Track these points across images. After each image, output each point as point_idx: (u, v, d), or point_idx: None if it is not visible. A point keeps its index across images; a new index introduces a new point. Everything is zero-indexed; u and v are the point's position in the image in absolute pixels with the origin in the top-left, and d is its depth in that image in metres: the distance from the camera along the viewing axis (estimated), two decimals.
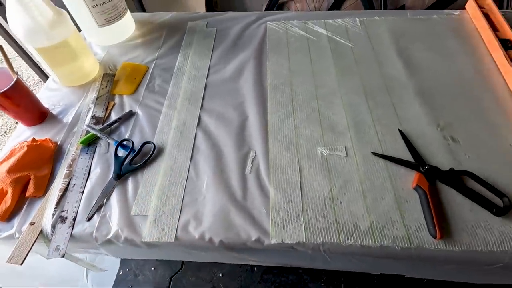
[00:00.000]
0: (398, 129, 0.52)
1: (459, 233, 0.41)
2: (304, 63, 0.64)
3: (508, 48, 0.61)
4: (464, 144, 0.50)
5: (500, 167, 0.47)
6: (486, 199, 0.43)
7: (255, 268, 0.95)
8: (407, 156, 0.49)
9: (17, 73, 0.50)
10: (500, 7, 1.10)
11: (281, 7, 1.45)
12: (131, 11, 0.72)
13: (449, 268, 0.45)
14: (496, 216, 0.42)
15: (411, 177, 0.47)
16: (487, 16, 0.69)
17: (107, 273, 0.74)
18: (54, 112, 0.58)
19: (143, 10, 1.22)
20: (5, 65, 0.51)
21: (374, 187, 0.46)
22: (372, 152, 0.50)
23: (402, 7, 1.28)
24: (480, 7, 0.71)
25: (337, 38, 0.69)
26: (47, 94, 0.62)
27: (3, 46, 0.48)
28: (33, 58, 1.03)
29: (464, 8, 0.74)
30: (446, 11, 0.73)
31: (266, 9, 1.41)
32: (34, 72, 1.17)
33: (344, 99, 0.57)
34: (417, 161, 0.48)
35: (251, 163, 0.50)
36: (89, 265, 0.56)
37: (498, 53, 0.61)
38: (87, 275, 0.66)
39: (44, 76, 1.16)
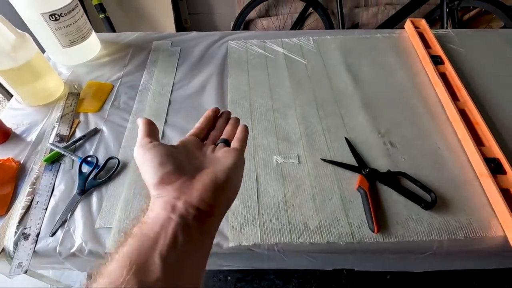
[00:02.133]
0: (345, 137, 0.58)
1: (394, 226, 0.47)
2: (262, 79, 0.70)
3: (438, 63, 0.71)
4: (400, 148, 0.57)
5: (429, 167, 0.54)
6: (416, 195, 0.50)
7: (229, 277, 0.97)
8: (352, 160, 0.55)
9: None
10: (441, 26, 1.24)
11: (247, 25, 1.52)
12: (99, 30, 0.75)
13: (390, 259, 0.50)
14: (425, 209, 0.48)
15: (355, 179, 0.52)
16: (421, 35, 0.78)
17: None
18: (18, 131, 0.59)
19: (112, 29, 1.24)
20: None
21: (323, 189, 0.51)
22: (321, 158, 0.55)
23: (357, 25, 1.40)
24: (416, 27, 0.80)
25: (292, 56, 0.75)
26: (11, 114, 0.63)
27: None
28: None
29: (404, 28, 0.83)
30: (388, 30, 0.83)
31: (233, 27, 1.48)
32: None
33: (298, 111, 0.63)
34: (360, 165, 0.54)
35: None
36: (54, 282, 0.56)
37: (429, 67, 0.70)
38: None
39: (8, 94, 1.13)
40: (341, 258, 0.51)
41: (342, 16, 1.36)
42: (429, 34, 0.78)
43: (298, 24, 1.46)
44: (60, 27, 0.64)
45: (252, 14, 1.47)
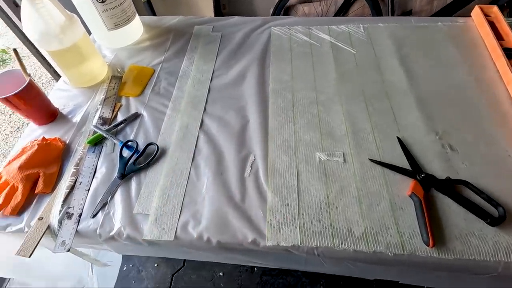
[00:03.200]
0: (397, 137, 0.53)
1: (453, 241, 0.42)
2: (306, 69, 0.65)
3: (511, 57, 0.61)
4: (461, 152, 0.50)
5: (497, 177, 0.47)
6: (481, 208, 0.44)
7: (255, 269, 0.96)
8: (404, 163, 0.50)
9: (29, 75, 0.53)
10: (509, 14, 1.09)
11: (288, 10, 1.46)
12: (140, 14, 0.74)
13: (441, 275, 0.45)
14: (491, 226, 0.42)
15: (407, 185, 0.47)
16: (492, 25, 0.69)
17: (111, 268, 0.77)
18: (64, 112, 0.61)
19: (153, 13, 1.25)
20: (18, 66, 0.53)
21: (370, 193, 0.47)
22: (369, 159, 0.51)
23: (410, 12, 1.28)
24: (486, 15, 0.70)
25: (339, 44, 0.69)
26: (58, 95, 0.65)
27: (17, 49, 0.51)
28: (46, 58, 1.07)
29: (470, 16, 0.74)
30: (451, 18, 0.73)
31: (273, 13, 1.42)
32: (46, 71, 1.21)
33: (344, 105, 0.58)
34: (413, 169, 0.49)
35: (251, 166, 0.51)
36: (93, 260, 0.58)
37: (501, 61, 0.61)
38: (92, 270, 0.68)
39: (56, 75, 1.19)
40: (386, 269, 0.47)
41: (393, 2, 1.25)
42: (503, 23, 0.68)
43: (342, 11, 1.37)
44: (107, 9, 0.64)
45: None
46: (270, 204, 0.47)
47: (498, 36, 0.66)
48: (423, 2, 1.30)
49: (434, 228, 0.42)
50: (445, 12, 1.22)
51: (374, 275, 0.53)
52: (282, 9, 1.41)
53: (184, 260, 0.99)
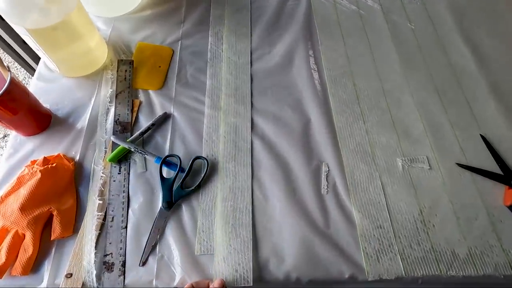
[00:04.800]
0: (480, 135, 0.47)
1: None
2: (362, 49, 0.54)
3: None
4: None
5: None
6: None
7: None
8: (493, 167, 0.45)
9: (9, 69, 0.36)
10: None
11: None
12: None
13: None
14: None
15: (500, 192, 0.43)
16: None
17: None
18: (59, 114, 0.45)
19: None
20: None
21: (465, 205, 0.42)
22: (456, 163, 0.44)
23: None
24: None
25: (394, 17, 0.58)
26: (43, 88, 0.47)
27: None
28: (10, 42, 0.76)
29: None
30: None
31: None
32: (19, 65, 0.89)
33: (414, 96, 0.50)
34: (506, 174, 0.44)
35: (326, 179, 0.42)
36: None
37: None
38: None
39: (30, 69, 0.90)
40: None
41: None
42: None
43: None
44: None
45: None
46: (361, 228, 0.39)
47: None
48: None
49: None
50: None
51: None
52: None
53: None
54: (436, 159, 0.45)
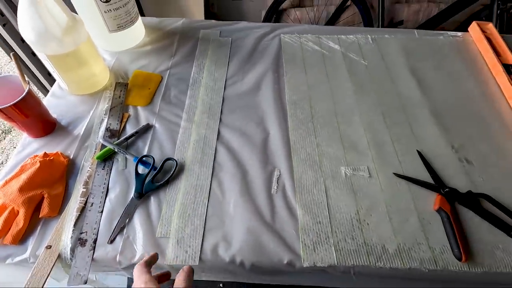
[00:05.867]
0: (417, 150, 0.54)
1: (481, 255, 0.43)
2: (321, 79, 0.65)
3: (511, 73, 0.65)
4: (477, 166, 0.52)
5: None
6: (502, 221, 0.46)
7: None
8: (426, 177, 0.51)
9: (28, 83, 0.47)
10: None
11: (280, 14, 1.45)
12: None
13: None
14: None
15: (432, 199, 0.48)
16: (489, 40, 0.72)
17: None
18: (63, 123, 0.55)
19: (141, 13, 1.18)
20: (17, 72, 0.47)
21: (399, 209, 0.47)
22: (394, 173, 0.51)
23: (401, 22, 1.33)
24: (482, 31, 0.74)
25: (351, 55, 0.70)
26: (54, 102, 0.58)
27: (17, 54, 0.45)
28: (30, 66, 0.94)
29: (467, 31, 0.77)
30: (450, 32, 0.76)
31: (265, 16, 1.41)
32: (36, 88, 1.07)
33: (362, 117, 0.58)
34: (437, 183, 0.50)
35: (277, 182, 0.49)
36: (101, 284, 0.53)
37: (502, 77, 0.64)
38: None
39: (44, 88, 1.07)
40: (418, 284, 0.47)
41: (383, 11, 1.29)
42: (499, 39, 0.72)
43: (335, 18, 1.38)
44: (110, 10, 0.58)
45: (287, 3, 1.39)
46: (302, 222, 0.45)
47: (496, 52, 0.70)
48: (410, 12, 1.35)
49: (464, 243, 0.43)
50: (431, 23, 1.28)
51: None
52: (275, 13, 1.40)
53: None
54: (376, 169, 0.51)
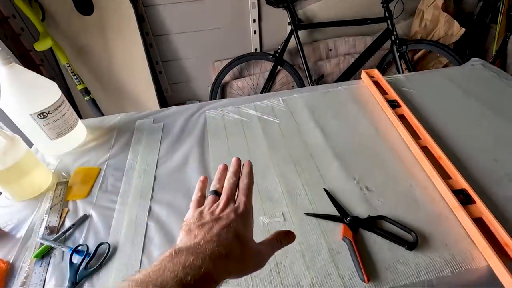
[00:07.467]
0: (324, 188, 0.62)
1: (384, 272, 0.48)
2: (240, 143, 0.75)
3: (395, 107, 0.79)
4: (376, 191, 0.60)
5: (405, 206, 0.57)
6: (398, 237, 0.52)
7: None
8: (333, 210, 0.58)
9: None
10: (396, 67, 1.38)
11: (224, 87, 1.65)
12: (87, 112, 0.80)
13: None
14: (409, 250, 0.50)
15: (338, 229, 0.55)
16: (377, 83, 0.88)
17: None
18: (7, 229, 0.60)
19: (98, 109, 1.32)
20: None
21: (311, 245, 0.53)
22: (305, 213, 0.58)
23: (322, 76, 1.54)
24: (371, 77, 0.91)
25: (265, 117, 0.82)
26: (0, 212, 0.64)
27: None
28: None
29: (361, 78, 0.94)
30: (348, 82, 0.92)
31: (211, 90, 1.59)
32: None
33: (276, 169, 0.67)
34: (341, 214, 0.57)
35: None
36: None
37: (389, 111, 0.78)
38: None
39: None
40: None
41: (309, 70, 1.51)
42: (383, 81, 0.88)
43: (270, 81, 1.59)
44: (48, 123, 0.69)
45: (227, 77, 1.60)
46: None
47: (382, 92, 0.84)
48: (332, 66, 1.59)
49: (366, 264, 0.49)
50: (349, 72, 1.50)
51: None
52: (219, 87, 1.59)
53: None
54: (290, 213, 0.58)
